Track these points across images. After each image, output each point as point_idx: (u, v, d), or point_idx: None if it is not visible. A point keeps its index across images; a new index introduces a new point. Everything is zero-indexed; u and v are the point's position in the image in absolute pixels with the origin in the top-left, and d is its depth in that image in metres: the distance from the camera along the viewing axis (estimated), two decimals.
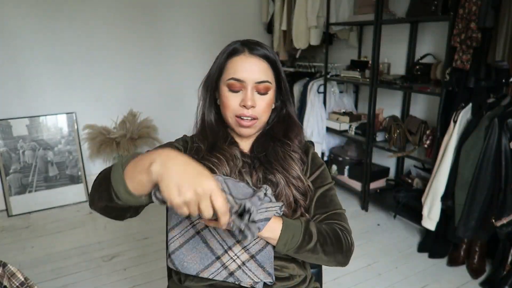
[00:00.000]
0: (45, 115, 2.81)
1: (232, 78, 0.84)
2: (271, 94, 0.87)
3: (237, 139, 0.94)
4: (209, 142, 0.89)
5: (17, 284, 1.03)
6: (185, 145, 0.93)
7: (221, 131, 0.92)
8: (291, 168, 0.87)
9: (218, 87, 0.88)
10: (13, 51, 2.65)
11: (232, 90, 0.85)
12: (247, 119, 0.85)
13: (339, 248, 0.82)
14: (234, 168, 0.86)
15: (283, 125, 0.94)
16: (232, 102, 0.85)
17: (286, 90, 0.93)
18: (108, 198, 0.67)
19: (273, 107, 0.92)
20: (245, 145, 0.95)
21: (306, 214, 0.87)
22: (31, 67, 2.73)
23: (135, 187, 0.63)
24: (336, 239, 0.82)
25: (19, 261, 2.12)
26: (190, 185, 0.57)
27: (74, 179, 2.92)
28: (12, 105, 2.71)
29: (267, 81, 0.86)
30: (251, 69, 0.84)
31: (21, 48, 2.67)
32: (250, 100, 0.84)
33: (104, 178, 0.69)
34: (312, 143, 1.06)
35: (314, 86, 3.00)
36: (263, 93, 0.86)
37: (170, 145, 0.93)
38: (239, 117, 0.86)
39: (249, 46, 0.86)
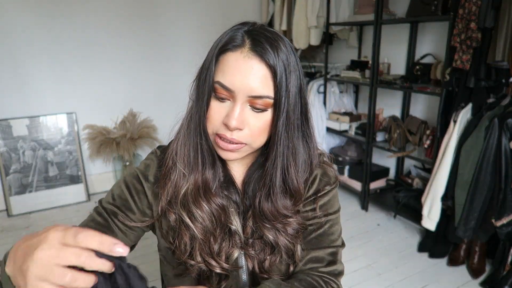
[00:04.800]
0: (45, 115, 2.81)
1: (218, 82, 0.59)
2: (271, 112, 0.61)
3: (229, 162, 0.70)
4: (194, 177, 0.66)
5: None
6: (158, 163, 0.72)
7: (210, 157, 0.66)
8: (288, 226, 0.68)
9: (210, 85, 0.61)
10: (13, 51, 2.65)
11: (218, 97, 0.60)
12: (227, 142, 0.61)
13: None
14: (219, 222, 0.67)
15: (280, 173, 0.66)
16: (214, 113, 0.61)
17: (299, 112, 0.64)
18: None
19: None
20: (238, 170, 0.72)
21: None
22: (31, 67, 2.73)
23: None
24: None
25: None
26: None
27: (74, 179, 2.92)
28: (12, 105, 2.71)
29: (267, 97, 0.59)
30: (246, 75, 0.58)
31: (21, 48, 2.67)
32: (236, 120, 0.58)
33: None
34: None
35: (314, 86, 3.00)
36: (260, 109, 0.60)
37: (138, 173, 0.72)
38: (219, 136, 0.62)
39: (254, 39, 0.58)
